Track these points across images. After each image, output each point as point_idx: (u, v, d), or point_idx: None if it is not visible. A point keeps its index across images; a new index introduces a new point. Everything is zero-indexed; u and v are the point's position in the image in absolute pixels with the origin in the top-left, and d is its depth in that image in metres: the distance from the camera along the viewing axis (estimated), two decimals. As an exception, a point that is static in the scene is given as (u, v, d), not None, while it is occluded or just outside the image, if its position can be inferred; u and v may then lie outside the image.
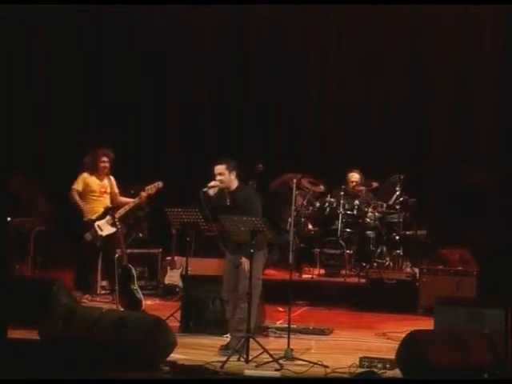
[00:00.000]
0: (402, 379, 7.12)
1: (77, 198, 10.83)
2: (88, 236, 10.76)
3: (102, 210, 10.80)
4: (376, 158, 13.37)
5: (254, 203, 8.26)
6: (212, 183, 8.32)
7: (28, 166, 13.73)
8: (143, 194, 10.69)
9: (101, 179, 10.91)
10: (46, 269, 11.95)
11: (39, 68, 14.14)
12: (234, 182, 8.33)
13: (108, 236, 10.68)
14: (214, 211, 8.30)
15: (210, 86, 14.35)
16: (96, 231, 10.72)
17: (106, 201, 10.89)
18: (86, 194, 10.89)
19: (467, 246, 11.37)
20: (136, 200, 10.81)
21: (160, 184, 10.63)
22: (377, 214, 11.91)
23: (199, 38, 14.20)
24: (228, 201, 8.33)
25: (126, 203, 10.86)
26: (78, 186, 10.88)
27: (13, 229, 11.05)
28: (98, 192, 10.89)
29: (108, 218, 10.68)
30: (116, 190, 11.01)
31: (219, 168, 8.30)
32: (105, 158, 10.90)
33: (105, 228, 10.72)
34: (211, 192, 8.33)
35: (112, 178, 11.00)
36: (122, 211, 10.72)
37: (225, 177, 8.27)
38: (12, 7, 11.25)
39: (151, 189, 10.62)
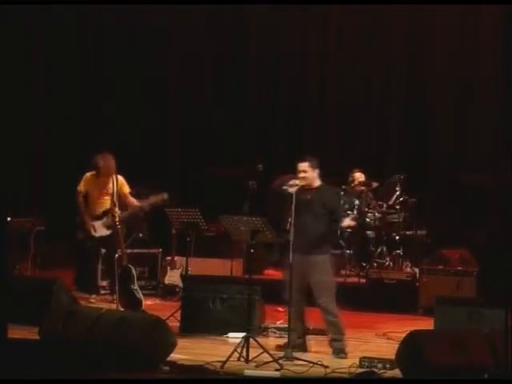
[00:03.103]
0: (402, 379, 7.12)
1: (79, 199, 10.77)
2: (80, 235, 10.74)
3: (100, 211, 10.72)
4: (376, 158, 13.37)
5: (339, 203, 8.39)
6: (292, 182, 8.26)
7: (28, 166, 13.79)
8: (144, 205, 10.61)
9: (103, 181, 10.75)
10: (45, 269, 11.95)
11: (39, 68, 14.13)
12: (316, 180, 8.33)
13: (104, 237, 10.62)
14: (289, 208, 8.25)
15: (209, 86, 14.35)
16: (89, 231, 10.67)
17: (107, 203, 10.72)
18: (87, 194, 10.83)
19: (467, 245, 11.37)
20: (136, 209, 10.71)
21: (165, 195, 10.39)
22: (377, 214, 11.91)
23: (199, 38, 14.20)
24: (308, 197, 8.24)
25: (133, 206, 10.74)
26: (81, 187, 10.81)
27: (13, 229, 11.05)
28: (98, 194, 10.78)
29: (104, 219, 10.61)
30: (125, 191, 10.67)
31: (303, 165, 8.30)
32: (107, 161, 10.71)
33: (99, 229, 10.64)
34: (291, 190, 8.26)
35: (121, 177, 10.65)
36: (122, 215, 10.58)
37: (308, 174, 8.28)
38: (12, 7, 11.26)
39: (155, 200, 10.47)
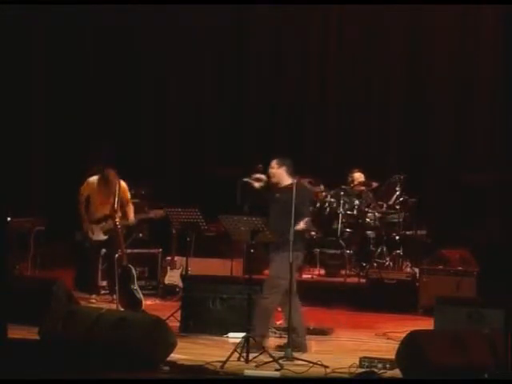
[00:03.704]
0: (402, 379, 7.12)
1: (80, 200, 10.75)
2: (78, 236, 10.72)
3: (99, 216, 10.70)
4: (376, 158, 13.38)
5: (305, 200, 8.32)
6: (257, 175, 8.39)
7: (28, 166, 13.80)
8: (142, 218, 10.84)
9: (106, 191, 10.63)
10: (45, 269, 11.95)
11: (39, 68, 14.13)
12: (283, 178, 8.35)
13: (102, 241, 10.62)
14: (260, 203, 8.43)
15: (210, 85, 14.35)
16: (87, 233, 10.66)
17: (107, 209, 10.66)
18: (89, 198, 10.80)
19: (467, 245, 11.37)
20: (130, 224, 10.77)
21: (164, 212, 10.29)
22: (377, 213, 11.91)
23: (199, 38, 14.20)
24: (277, 195, 8.32)
25: (128, 216, 10.69)
26: (83, 190, 10.78)
27: (12, 229, 11.04)
28: (100, 201, 10.74)
29: (103, 224, 10.61)
30: (127, 197, 10.70)
31: (271, 162, 8.42)
32: (112, 178, 10.64)
33: (97, 233, 10.65)
34: (257, 185, 8.43)
35: (124, 184, 10.66)
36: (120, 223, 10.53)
37: (273, 170, 8.37)
38: (12, 7, 11.27)
39: (154, 214, 10.50)
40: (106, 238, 10.57)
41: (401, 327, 9.08)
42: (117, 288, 9.86)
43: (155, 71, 14.38)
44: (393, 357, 7.35)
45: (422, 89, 13.51)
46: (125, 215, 10.66)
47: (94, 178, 10.72)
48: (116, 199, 10.35)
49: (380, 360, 7.55)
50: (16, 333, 7.73)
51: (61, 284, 9.28)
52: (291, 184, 8.24)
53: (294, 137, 14.03)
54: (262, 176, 8.46)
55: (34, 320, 7.99)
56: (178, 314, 9.26)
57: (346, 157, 13.41)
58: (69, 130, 14.00)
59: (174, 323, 8.97)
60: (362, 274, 11.52)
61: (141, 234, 12.17)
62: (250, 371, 7.32)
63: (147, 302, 10.23)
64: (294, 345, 8.06)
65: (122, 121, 14.23)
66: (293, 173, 8.37)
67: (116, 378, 6.76)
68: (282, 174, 8.35)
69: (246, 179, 8.61)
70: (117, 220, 10.19)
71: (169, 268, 11.27)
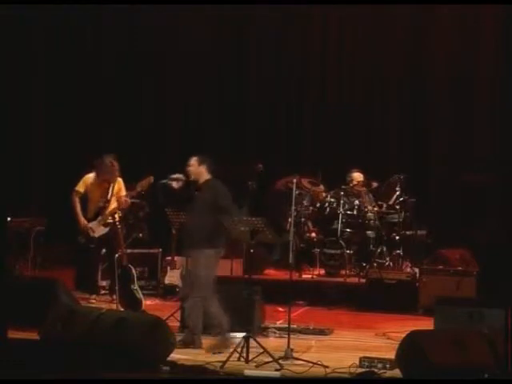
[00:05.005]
0: (401, 379, 7.12)
1: (75, 200, 10.73)
2: (81, 239, 10.71)
3: (94, 212, 10.70)
4: (376, 158, 13.37)
5: (223, 193, 8.39)
6: (175, 175, 8.52)
7: (27, 166, 13.80)
8: (134, 194, 10.60)
9: (106, 184, 10.74)
10: (46, 269, 11.95)
11: (39, 68, 14.13)
12: (202, 175, 8.47)
13: (105, 235, 10.61)
14: (179, 203, 8.60)
15: (210, 85, 14.35)
16: (88, 233, 10.66)
17: (109, 206, 10.69)
18: (88, 196, 10.80)
19: (467, 246, 11.37)
20: (126, 205, 10.66)
21: (151, 179, 10.29)
22: (377, 214, 11.91)
23: (199, 38, 14.20)
24: (196, 193, 8.44)
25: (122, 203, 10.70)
26: (80, 187, 10.77)
27: (12, 229, 11.04)
28: (99, 197, 10.75)
29: (99, 218, 10.61)
30: (122, 194, 10.69)
31: (191, 160, 8.53)
32: (112, 164, 10.67)
33: (97, 229, 10.63)
34: (175, 184, 8.55)
35: (120, 180, 10.71)
36: (114, 209, 10.56)
37: (193, 168, 8.50)
38: (12, 7, 11.27)
39: (141, 186, 10.44)
40: (107, 230, 10.54)
41: (401, 327, 9.10)
42: (117, 288, 9.86)
43: (155, 71, 14.37)
44: (393, 357, 7.35)
45: (422, 89, 13.51)
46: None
47: (90, 175, 10.73)
48: (111, 187, 10.39)
49: (380, 360, 7.56)
50: (16, 333, 7.73)
51: (61, 284, 9.28)
52: (208, 180, 8.43)
53: (294, 137, 14.03)
54: (180, 176, 8.57)
55: (34, 320, 8.00)
56: (178, 314, 9.25)
57: (345, 157, 13.40)
58: (69, 130, 14.00)
59: (174, 323, 8.96)
60: (361, 274, 11.52)
61: (141, 234, 12.16)
62: (249, 371, 7.32)
63: (147, 302, 10.24)
64: (188, 341, 8.17)
65: (122, 121, 14.23)
66: (213, 170, 8.52)
67: (116, 378, 6.76)
68: (201, 172, 8.48)
69: (164, 181, 8.68)
70: (117, 220, 10.20)
71: (169, 268, 11.26)
